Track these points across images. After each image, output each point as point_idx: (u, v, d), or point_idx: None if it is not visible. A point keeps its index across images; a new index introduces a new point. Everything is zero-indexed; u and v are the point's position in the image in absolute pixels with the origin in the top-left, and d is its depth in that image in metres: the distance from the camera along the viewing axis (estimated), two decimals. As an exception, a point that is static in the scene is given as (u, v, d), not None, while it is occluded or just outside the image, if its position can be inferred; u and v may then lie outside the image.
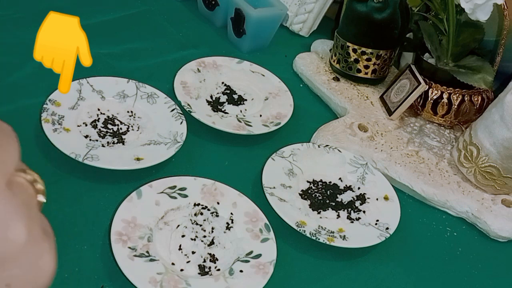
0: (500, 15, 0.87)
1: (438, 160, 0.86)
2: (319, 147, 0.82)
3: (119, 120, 0.79)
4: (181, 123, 0.79)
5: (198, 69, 0.90)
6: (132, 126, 0.79)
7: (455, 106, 0.88)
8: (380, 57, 0.94)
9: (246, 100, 0.89)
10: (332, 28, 1.09)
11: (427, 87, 0.88)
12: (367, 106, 0.93)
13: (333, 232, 0.71)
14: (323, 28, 1.10)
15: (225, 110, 0.86)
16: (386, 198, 0.78)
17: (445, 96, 0.88)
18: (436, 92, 0.88)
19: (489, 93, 0.90)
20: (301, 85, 0.99)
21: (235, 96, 0.89)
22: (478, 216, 0.79)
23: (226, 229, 0.69)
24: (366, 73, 0.95)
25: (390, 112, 0.91)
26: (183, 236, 0.66)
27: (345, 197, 0.78)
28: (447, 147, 0.88)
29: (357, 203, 0.77)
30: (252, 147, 0.83)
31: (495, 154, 0.78)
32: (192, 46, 0.99)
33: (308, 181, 0.79)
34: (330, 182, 0.79)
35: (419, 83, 0.87)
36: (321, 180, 0.79)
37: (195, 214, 0.69)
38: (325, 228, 0.72)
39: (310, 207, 0.75)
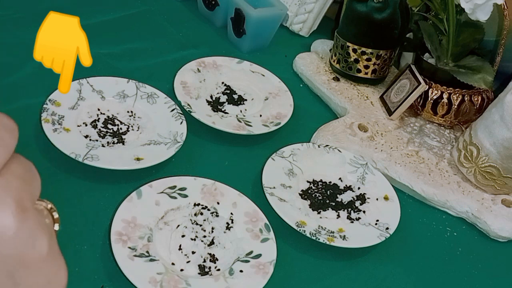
0: (500, 15, 0.87)
1: (438, 160, 0.86)
2: (319, 147, 0.82)
3: (119, 120, 0.79)
4: (181, 123, 0.79)
5: (198, 69, 0.90)
6: (132, 126, 0.79)
7: (455, 106, 0.88)
8: (380, 57, 0.94)
9: (246, 100, 0.89)
10: (332, 28, 1.09)
11: (427, 87, 0.88)
12: (367, 106, 0.93)
13: (333, 232, 0.71)
14: (323, 28, 1.10)
15: (225, 110, 0.86)
16: (386, 198, 0.78)
17: (445, 96, 0.88)
18: (436, 92, 0.88)
19: (489, 93, 0.90)
20: (301, 85, 0.99)
21: (235, 96, 0.89)
22: (478, 216, 0.79)
23: (226, 229, 0.69)
24: (366, 73, 0.95)
25: (390, 112, 0.91)
26: (183, 236, 0.66)
27: (345, 197, 0.78)
28: (447, 147, 0.88)
29: (357, 203, 0.77)
30: (252, 147, 0.83)
31: (495, 154, 0.78)
32: (192, 46, 0.99)
33: (308, 181, 0.79)
34: (330, 182, 0.79)
35: (419, 83, 0.87)
36: (321, 180, 0.79)
37: (195, 214, 0.69)
38: (325, 228, 0.72)
39: (310, 207, 0.75)
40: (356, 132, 0.86)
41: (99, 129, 0.76)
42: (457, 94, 0.88)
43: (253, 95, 0.90)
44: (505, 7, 0.86)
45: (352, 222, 0.74)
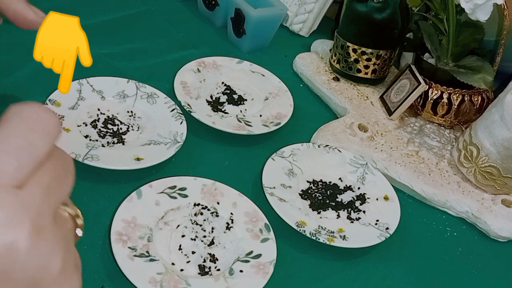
0: (500, 15, 0.87)
1: (438, 160, 0.86)
2: (319, 147, 0.82)
3: (119, 120, 0.79)
4: (181, 123, 0.79)
5: (198, 69, 0.90)
6: (132, 126, 0.79)
7: (455, 106, 0.88)
8: (380, 57, 0.94)
9: (246, 100, 0.89)
10: (332, 28, 1.09)
11: (427, 87, 0.88)
12: (367, 106, 0.93)
13: (333, 232, 0.71)
14: (323, 28, 1.10)
15: (225, 110, 0.86)
16: (386, 198, 0.78)
17: (445, 96, 0.88)
18: (436, 92, 0.88)
19: (489, 93, 0.90)
20: (301, 85, 0.99)
21: (235, 96, 0.89)
22: (478, 216, 0.79)
23: (226, 229, 0.69)
24: (366, 73, 0.95)
25: (390, 112, 0.91)
26: (183, 236, 0.66)
27: (345, 197, 0.78)
28: (447, 147, 0.88)
29: (357, 203, 0.77)
30: (252, 147, 0.83)
31: (495, 154, 0.78)
32: (192, 46, 0.99)
33: (308, 181, 0.79)
34: (330, 182, 0.79)
35: (419, 83, 0.87)
36: (321, 180, 0.79)
37: (195, 214, 0.69)
38: (325, 228, 0.72)
39: (310, 207, 0.75)
40: (356, 132, 0.86)
41: (99, 129, 0.76)
42: (457, 94, 0.88)
43: (253, 95, 0.90)
44: (505, 7, 0.86)
45: (352, 222, 0.74)
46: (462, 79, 0.85)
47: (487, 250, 0.78)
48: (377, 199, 0.78)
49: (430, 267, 0.74)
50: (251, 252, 0.66)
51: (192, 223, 0.68)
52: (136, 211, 0.66)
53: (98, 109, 0.79)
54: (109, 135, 0.76)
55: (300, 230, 0.70)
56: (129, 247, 0.62)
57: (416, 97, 0.88)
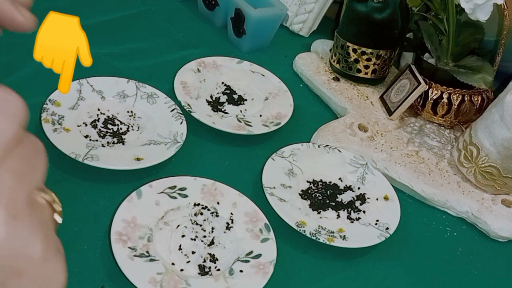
0: (500, 15, 0.87)
1: (438, 160, 0.86)
2: (319, 147, 0.82)
3: (119, 120, 0.79)
4: (181, 123, 0.79)
5: (198, 69, 0.90)
6: (132, 126, 0.79)
7: (455, 106, 0.88)
8: (380, 57, 0.94)
9: (246, 100, 0.89)
10: (332, 28, 1.09)
11: (427, 87, 0.88)
12: (367, 106, 0.93)
13: (333, 232, 0.71)
14: (323, 28, 1.10)
15: (225, 110, 0.86)
16: (386, 198, 0.78)
17: (445, 96, 0.88)
18: (436, 92, 0.88)
19: (489, 93, 0.90)
20: (301, 85, 0.99)
21: (235, 96, 0.89)
22: (478, 216, 0.79)
23: (226, 229, 0.69)
24: (366, 73, 0.95)
25: (390, 112, 0.91)
26: (183, 236, 0.66)
27: (345, 197, 0.78)
28: (447, 147, 0.88)
29: (357, 203, 0.77)
30: (252, 147, 0.83)
31: (495, 154, 0.78)
32: (192, 46, 0.99)
33: (308, 181, 0.79)
34: (330, 182, 0.79)
35: (419, 83, 0.87)
36: (321, 180, 0.79)
37: (195, 214, 0.69)
38: (325, 228, 0.72)
39: (310, 207, 0.75)
40: (356, 132, 0.86)
41: (99, 129, 0.76)
42: (457, 94, 0.88)
43: (253, 95, 0.90)
44: (505, 7, 0.86)
45: (352, 222, 0.74)
46: (462, 79, 0.85)
47: (487, 250, 0.78)
48: (377, 199, 0.78)
49: (430, 267, 0.74)
50: (251, 252, 0.66)
51: (192, 223, 0.68)
52: (136, 211, 0.66)
53: (98, 109, 0.79)
54: (109, 135, 0.76)
55: (300, 230, 0.70)
56: (129, 247, 0.62)
57: (416, 97, 0.88)
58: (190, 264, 0.64)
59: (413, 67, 0.90)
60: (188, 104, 0.83)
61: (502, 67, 0.89)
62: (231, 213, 0.70)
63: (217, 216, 0.70)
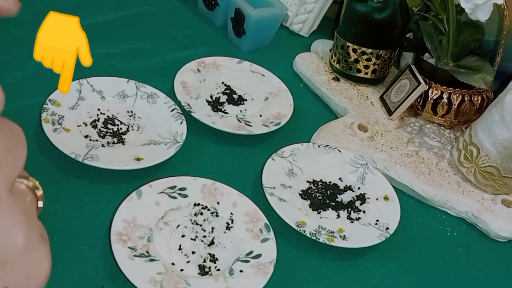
0: (500, 15, 0.87)
1: (438, 160, 0.86)
2: (319, 147, 0.82)
3: (119, 120, 0.79)
4: (181, 123, 0.79)
5: (198, 69, 0.90)
6: (132, 126, 0.79)
7: (455, 106, 0.88)
8: (380, 57, 0.94)
9: (246, 100, 0.89)
10: (332, 28, 1.09)
11: (427, 87, 0.88)
12: (367, 106, 0.93)
13: (333, 232, 0.71)
14: (323, 28, 1.10)
15: (225, 110, 0.86)
16: (386, 198, 0.78)
17: (445, 96, 0.88)
18: (436, 92, 0.88)
19: (489, 93, 0.90)
20: (301, 85, 0.99)
21: (235, 96, 0.89)
22: (478, 216, 0.79)
23: (226, 229, 0.69)
24: (366, 73, 0.95)
25: (390, 112, 0.91)
26: (183, 236, 0.66)
27: (345, 197, 0.78)
28: (447, 147, 0.88)
29: (357, 203, 0.77)
30: (252, 147, 0.83)
31: (495, 154, 0.78)
32: (192, 46, 0.99)
33: (308, 181, 0.79)
34: (330, 182, 0.79)
35: (419, 83, 0.87)
36: (321, 180, 0.79)
37: (195, 214, 0.69)
38: (325, 228, 0.72)
39: (310, 207, 0.75)
40: (356, 132, 0.86)
41: (99, 129, 0.76)
42: (457, 94, 0.88)
43: (253, 95, 0.90)
44: (505, 7, 0.86)
45: (352, 222, 0.74)
46: (462, 79, 0.85)
47: (487, 250, 0.78)
48: (377, 199, 0.78)
49: (430, 267, 0.74)
50: (251, 252, 0.66)
51: (192, 223, 0.68)
52: (136, 211, 0.66)
53: (98, 109, 0.79)
54: (109, 135, 0.76)
55: (300, 230, 0.70)
56: (129, 247, 0.62)
57: (416, 97, 0.88)
58: (190, 264, 0.64)
59: (413, 67, 0.90)
60: (188, 104, 0.83)
61: (502, 67, 0.89)
62: (231, 213, 0.70)
63: (217, 216, 0.70)
